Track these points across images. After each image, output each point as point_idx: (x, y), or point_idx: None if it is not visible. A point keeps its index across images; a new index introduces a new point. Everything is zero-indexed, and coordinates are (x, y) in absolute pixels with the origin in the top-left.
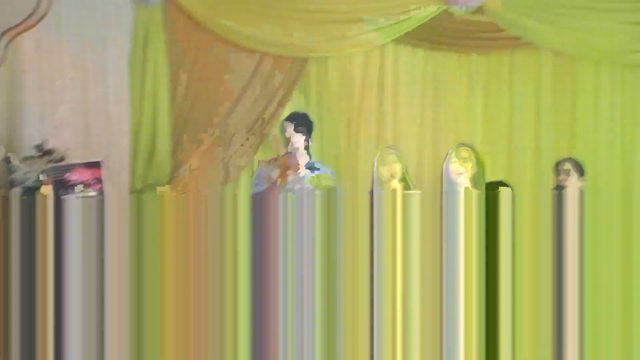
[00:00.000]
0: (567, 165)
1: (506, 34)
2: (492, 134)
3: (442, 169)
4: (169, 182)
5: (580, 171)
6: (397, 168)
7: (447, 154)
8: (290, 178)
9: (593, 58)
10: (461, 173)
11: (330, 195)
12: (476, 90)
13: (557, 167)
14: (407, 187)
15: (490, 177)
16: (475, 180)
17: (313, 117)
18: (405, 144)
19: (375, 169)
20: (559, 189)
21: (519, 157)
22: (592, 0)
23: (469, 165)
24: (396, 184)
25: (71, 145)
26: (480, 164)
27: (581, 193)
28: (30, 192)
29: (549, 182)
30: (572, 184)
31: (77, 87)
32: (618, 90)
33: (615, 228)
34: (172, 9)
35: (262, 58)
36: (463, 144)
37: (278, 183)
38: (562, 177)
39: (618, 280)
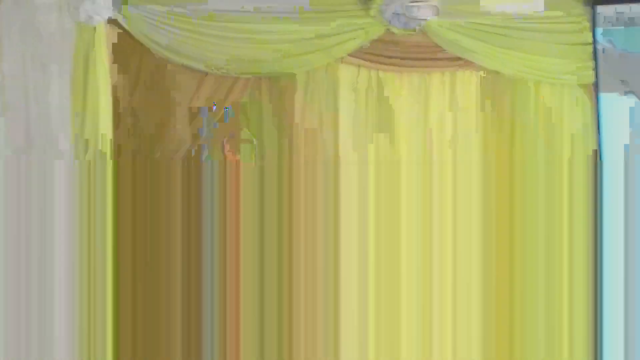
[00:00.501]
0: None
1: (447, 54)
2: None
3: None
4: None
5: None
6: None
7: None
8: None
9: (532, 78)
10: None
11: None
12: (417, 110)
13: None
14: None
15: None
16: None
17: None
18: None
19: None
20: None
21: (461, 176)
22: (532, 21)
23: None
24: None
25: None
26: None
27: None
28: None
29: None
30: None
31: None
32: (556, 109)
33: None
34: (114, 28)
35: (204, 78)
36: None
37: None
38: None
39: None
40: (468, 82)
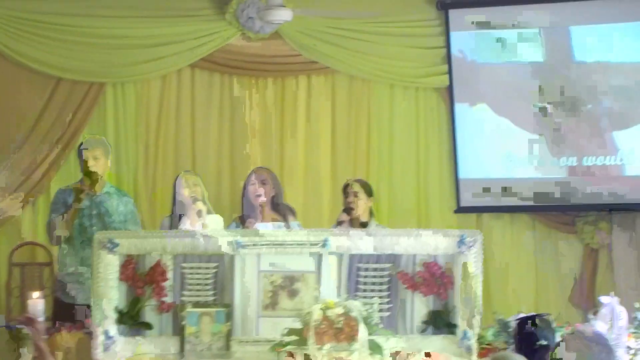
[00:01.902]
0: (356, 186)
1: (302, 58)
2: (290, 157)
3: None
4: None
5: (369, 192)
6: (198, 191)
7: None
8: (86, 203)
9: (387, 82)
10: (259, 195)
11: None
12: (273, 114)
13: (346, 189)
14: (208, 210)
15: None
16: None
17: (110, 142)
18: (204, 167)
19: (176, 192)
20: (348, 210)
21: (316, 180)
22: (387, 25)
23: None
24: (201, 205)
25: None
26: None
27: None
28: None
29: None
30: (360, 205)
31: None
32: (412, 113)
33: None
34: None
35: (58, 83)
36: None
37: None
38: (350, 199)
39: None
40: (323, 86)
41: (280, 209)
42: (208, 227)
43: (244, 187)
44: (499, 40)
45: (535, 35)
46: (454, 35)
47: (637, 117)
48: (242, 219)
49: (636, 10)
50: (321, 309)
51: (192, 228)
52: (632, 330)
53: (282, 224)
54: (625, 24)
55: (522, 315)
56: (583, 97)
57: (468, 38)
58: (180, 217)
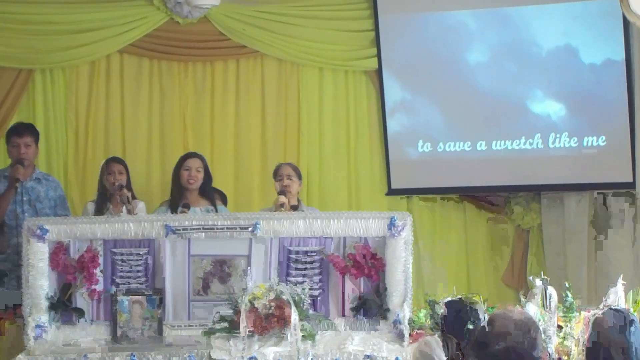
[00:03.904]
0: (288, 169)
1: (231, 42)
2: (220, 142)
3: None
4: None
5: (299, 175)
6: (123, 178)
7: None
8: (18, 190)
9: (316, 65)
10: (193, 182)
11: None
12: (203, 98)
13: (277, 172)
14: (132, 196)
15: (218, 185)
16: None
17: (39, 128)
18: (134, 152)
19: (100, 178)
20: (284, 193)
21: (246, 164)
22: (315, 9)
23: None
24: (126, 192)
25: None
26: None
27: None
28: None
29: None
30: (294, 188)
31: None
32: (341, 96)
33: None
34: None
35: None
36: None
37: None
38: (284, 182)
39: None
40: (252, 70)
41: (209, 195)
42: (135, 213)
43: (174, 172)
44: None
45: None
46: (383, 18)
47: None
48: (171, 204)
49: None
50: (252, 293)
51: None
52: (561, 314)
53: (211, 208)
54: None
55: (450, 298)
56: None
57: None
58: (105, 203)
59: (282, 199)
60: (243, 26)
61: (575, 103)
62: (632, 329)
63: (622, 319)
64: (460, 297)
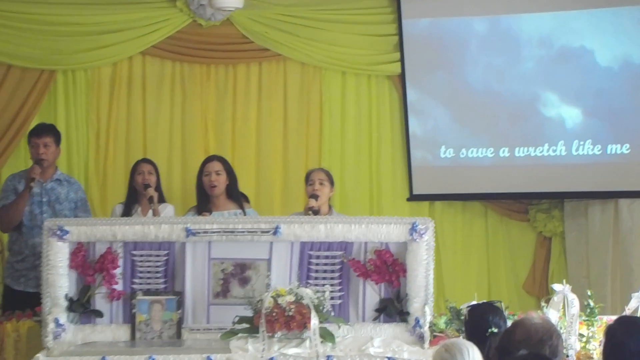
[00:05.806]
0: (321, 175)
1: (254, 45)
2: (241, 145)
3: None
4: None
5: (332, 182)
6: (152, 179)
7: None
8: (36, 190)
9: (339, 69)
10: (215, 186)
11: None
12: (224, 101)
13: (309, 176)
14: (161, 198)
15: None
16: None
17: (60, 129)
18: (156, 154)
19: (130, 179)
20: (315, 197)
21: (268, 168)
22: (339, 13)
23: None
24: (152, 192)
25: None
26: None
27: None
28: None
29: (300, 190)
30: (325, 194)
31: None
32: (364, 100)
33: None
34: None
35: (9, 70)
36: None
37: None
38: (315, 186)
39: None
40: (275, 73)
41: (235, 197)
42: (160, 214)
43: (198, 178)
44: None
45: None
46: (406, 23)
47: None
48: (198, 210)
49: None
50: (272, 296)
51: (144, 215)
52: (584, 318)
53: (239, 211)
54: None
55: (473, 302)
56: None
57: (420, 26)
58: (133, 204)
59: (312, 202)
60: (266, 29)
61: (600, 110)
62: None
63: (635, 326)
64: (482, 302)
